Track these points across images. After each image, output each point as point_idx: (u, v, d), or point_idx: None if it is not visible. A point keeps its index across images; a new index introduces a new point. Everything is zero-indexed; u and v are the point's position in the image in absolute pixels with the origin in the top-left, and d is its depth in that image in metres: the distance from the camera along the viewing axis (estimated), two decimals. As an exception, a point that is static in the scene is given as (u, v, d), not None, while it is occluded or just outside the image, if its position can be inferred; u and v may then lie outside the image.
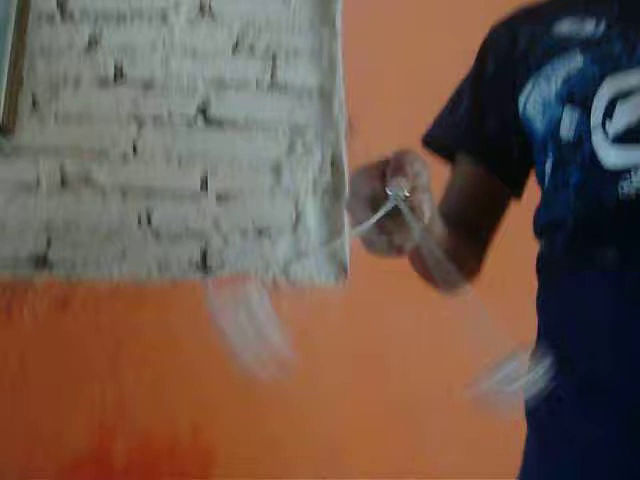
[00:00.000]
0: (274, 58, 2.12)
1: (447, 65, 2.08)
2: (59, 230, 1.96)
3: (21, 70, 2.05)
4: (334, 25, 2.13)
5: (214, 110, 2.08)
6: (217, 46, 2.12)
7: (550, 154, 1.02)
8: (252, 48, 2.12)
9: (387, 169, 0.77)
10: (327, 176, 2.04)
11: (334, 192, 2.03)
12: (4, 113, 1.97)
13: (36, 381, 1.86)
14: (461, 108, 1.18)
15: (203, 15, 2.14)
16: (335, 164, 2.05)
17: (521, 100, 1.07)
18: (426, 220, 0.78)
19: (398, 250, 0.82)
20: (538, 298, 1.05)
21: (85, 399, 1.87)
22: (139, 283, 1.93)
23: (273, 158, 2.05)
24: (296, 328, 1.99)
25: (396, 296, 1.95)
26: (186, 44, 2.11)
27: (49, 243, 1.96)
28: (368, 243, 0.85)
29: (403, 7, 2.17)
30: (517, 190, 1.17)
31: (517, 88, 1.08)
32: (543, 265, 1.05)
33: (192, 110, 2.07)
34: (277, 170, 2.04)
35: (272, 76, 2.11)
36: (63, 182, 2.00)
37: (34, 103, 2.05)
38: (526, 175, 1.15)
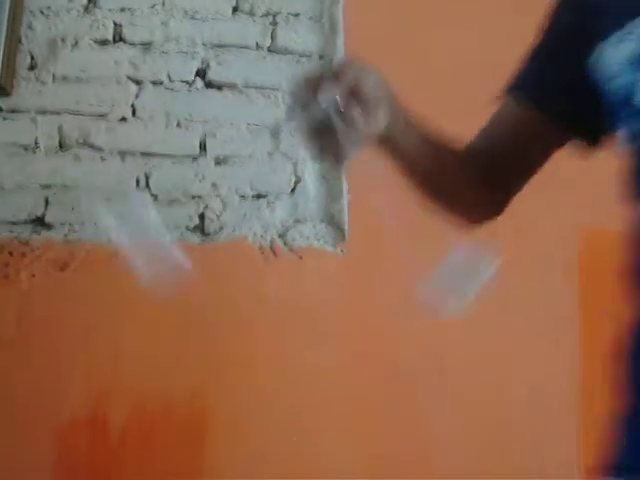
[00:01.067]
0: (274, 21, 2.11)
1: (450, 35, 2.08)
2: (57, 192, 1.96)
3: (19, 30, 2.03)
4: (334, -11, 2.12)
5: (213, 73, 2.06)
6: (217, 9, 2.10)
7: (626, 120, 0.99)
8: (252, 11, 2.11)
9: (323, 79, 0.83)
10: (326, 140, 2.04)
11: (333, 157, 2.03)
12: (2, 73, 1.95)
13: (33, 343, 1.86)
14: (529, 59, 1.15)
15: (203, -24, 2.12)
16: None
17: (595, 57, 1.02)
18: (360, 129, 0.80)
19: (336, 159, 0.86)
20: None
21: (82, 362, 1.88)
22: (137, 246, 1.93)
23: (272, 122, 2.05)
24: (294, 292, 2.00)
25: (394, 261, 1.96)
26: (186, 6, 2.09)
27: (47, 205, 1.95)
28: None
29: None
30: (587, 138, 1.12)
31: (591, 44, 1.03)
32: None
33: (191, 73, 2.06)
34: (276, 134, 2.04)
35: (272, 39, 2.10)
36: (61, 144, 1.99)
37: (32, 63, 2.04)
38: (600, 129, 1.09)
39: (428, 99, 2.04)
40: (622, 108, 0.98)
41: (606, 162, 2.07)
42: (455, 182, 1.15)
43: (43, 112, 2.00)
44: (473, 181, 1.15)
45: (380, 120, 0.90)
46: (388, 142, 1.04)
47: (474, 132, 1.19)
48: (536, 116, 1.12)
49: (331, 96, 0.82)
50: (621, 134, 1.03)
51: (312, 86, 0.86)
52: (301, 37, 2.10)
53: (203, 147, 2.02)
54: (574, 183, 2.00)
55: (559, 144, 1.14)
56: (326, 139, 0.86)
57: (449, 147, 1.15)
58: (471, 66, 2.03)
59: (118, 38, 2.07)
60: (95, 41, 2.06)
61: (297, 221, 1.99)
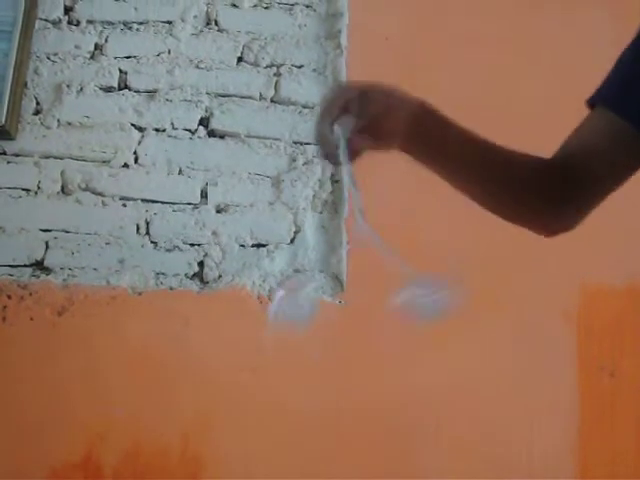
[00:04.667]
0: (278, 72, 2.13)
1: (452, 84, 2.11)
2: (57, 236, 1.96)
3: (25, 74, 2.06)
4: (339, 41, 2.14)
5: (216, 122, 2.08)
6: (222, 58, 2.13)
7: None
8: (256, 62, 2.13)
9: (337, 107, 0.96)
10: (327, 192, 2.05)
11: (333, 207, 2.04)
12: (7, 117, 1.98)
13: (30, 386, 1.86)
14: (621, 67, 1.10)
15: (209, 27, 2.15)
16: (335, 180, 2.05)
17: None
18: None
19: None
20: None
21: (77, 405, 1.87)
22: (136, 292, 1.93)
23: (274, 172, 2.06)
24: (292, 342, 2.00)
25: (393, 313, 1.95)
26: (191, 55, 2.12)
27: (47, 249, 1.95)
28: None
29: (409, 24, 2.18)
30: None
31: None
32: None
33: (194, 121, 2.08)
34: (277, 184, 2.05)
35: (275, 90, 2.12)
36: (63, 188, 2.00)
37: (37, 108, 2.06)
38: None
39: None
40: None
41: (610, 220, 2.09)
42: (520, 189, 1.11)
43: (47, 157, 2.02)
44: (545, 190, 1.10)
45: (390, 134, 0.97)
46: (415, 148, 1.05)
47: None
48: (628, 130, 1.06)
49: (344, 127, 0.95)
50: None
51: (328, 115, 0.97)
52: (304, 88, 2.13)
53: (204, 195, 2.03)
54: (579, 238, 2.01)
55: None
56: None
57: (514, 154, 1.11)
58: (475, 111, 2.05)
59: (123, 85, 2.09)
60: (100, 87, 2.08)
61: (296, 271, 2.00)
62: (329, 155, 1.01)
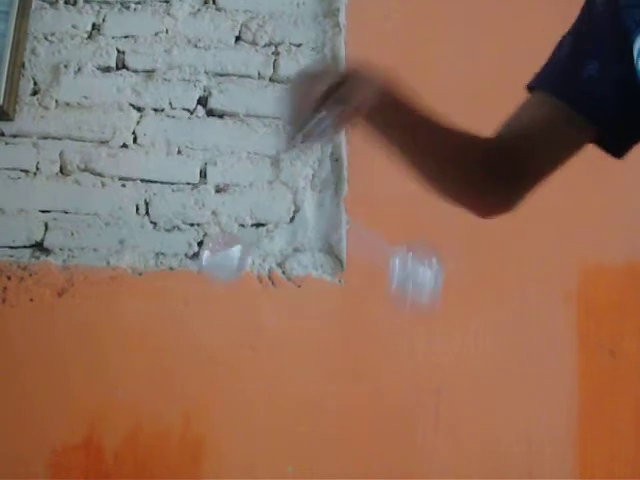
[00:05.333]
0: (277, 51, 2.12)
1: (451, 64, 2.10)
2: (57, 217, 1.96)
3: (22, 55, 2.05)
4: (338, 19, 2.13)
5: (215, 101, 2.07)
6: (220, 38, 2.12)
7: None
8: (255, 41, 2.12)
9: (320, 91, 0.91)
10: (326, 170, 2.04)
11: (333, 186, 2.04)
12: (4, 98, 1.97)
13: (30, 368, 1.86)
14: (560, 53, 1.11)
15: (207, 6, 2.14)
16: (334, 159, 2.05)
17: (635, 49, 0.98)
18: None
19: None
20: None
21: (77, 387, 1.87)
22: (136, 272, 1.93)
23: (273, 151, 2.05)
24: (292, 321, 2.00)
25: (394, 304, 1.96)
26: (189, 35, 2.11)
27: (46, 230, 1.95)
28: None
29: (408, 2, 2.17)
30: (614, 146, 1.08)
31: (630, 36, 0.99)
32: None
33: (193, 101, 2.07)
34: (276, 163, 2.04)
35: (274, 69, 2.11)
36: (62, 169, 2.00)
37: (35, 89, 2.05)
38: (632, 134, 1.06)
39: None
40: None
41: (609, 198, 2.09)
42: (470, 168, 1.12)
43: (45, 137, 2.01)
44: (492, 170, 1.11)
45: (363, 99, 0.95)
46: (379, 122, 1.03)
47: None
48: (567, 113, 1.07)
49: (330, 112, 0.92)
50: None
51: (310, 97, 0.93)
52: (303, 67, 2.11)
53: (203, 175, 2.03)
54: (578, 217, 2.02)
55: (586, 143, 1.10)
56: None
57: (467, 134, 1.11)
58: (473, 89, 2.04)
59: (121, 65, 2.08)
60: (98, 68, 2.07)
61: (296, 250, 2.00)
62: (306, 134, 0.96)
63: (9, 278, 1.90)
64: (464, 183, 1.13)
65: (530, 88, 1.13)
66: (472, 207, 1.15)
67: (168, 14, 2.11)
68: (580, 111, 1.06)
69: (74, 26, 2.09)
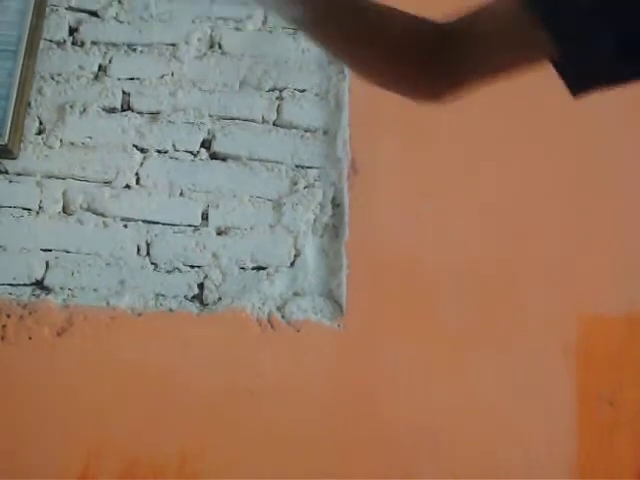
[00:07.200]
0: (281, 96, 2.14)
1: (453, 113, 2.12)
2: (58, 256, 1.97)
3: (29, 94, 2.07)
4: (342, 66, 2.15)
5: (218, 144, 2.09)
6: (225, 81, 2.14)
7: None
8: (259, 85, 2.14)
9: None
10: (328, 215, 2.06)
11: (334, 231, 2.04)
12: (10, 136, 1.99)
13: (28, 406, 1.86)
14: None
15: (212, 50, 2.16)
16: (336, 204, 2.06)
17: None
18: None
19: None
20: None
21: (75, 426, 1.86)
22: (135, 313, 1.94)
23: (275, 195, 2.07)
24: (291, 365, 2.00)
25: (392, 337, 1.96)
26: (194, 78, 2.13)
27: (47, 268, 1.96)
28: None
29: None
30: (572, 78, 0.94)
31: None
32: None
33: (196, 143, 2.09)
34: (278, 207, 2.05)
35: (278, 113, 2.13)
36: (65, 208, 2.01)
37: (40, 128, 2.07)
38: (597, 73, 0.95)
39: (432, 171, 2.08)
40: None
41: (608, 249, 2.10)
42: (399, 47, 1.05)
43: (49, 176, 2.03)
44: (425, 53, 1.04)
45: None
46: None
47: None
48: (529, 22, 0.94)
49: None
50: None
51: None
52: (306, 112, 2.14)
53: (205, 217, 2.04)
54: (574, 270, 2.03)
55: (540, 61, 0.97)
56: None
57: (407, 14, 1.04)
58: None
59: (126, 106, 2.10)
60: (103, 108, 2.09)
61: (296, 294, 2.00)
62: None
63: (9, 316, 1.90)
64: (391, 61, 1.06)
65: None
66: (401, 89, 1.10)
67: (174, 57, 2.14)
68: (549, 28, 0.92)
69: (81, 67, 2.12)
